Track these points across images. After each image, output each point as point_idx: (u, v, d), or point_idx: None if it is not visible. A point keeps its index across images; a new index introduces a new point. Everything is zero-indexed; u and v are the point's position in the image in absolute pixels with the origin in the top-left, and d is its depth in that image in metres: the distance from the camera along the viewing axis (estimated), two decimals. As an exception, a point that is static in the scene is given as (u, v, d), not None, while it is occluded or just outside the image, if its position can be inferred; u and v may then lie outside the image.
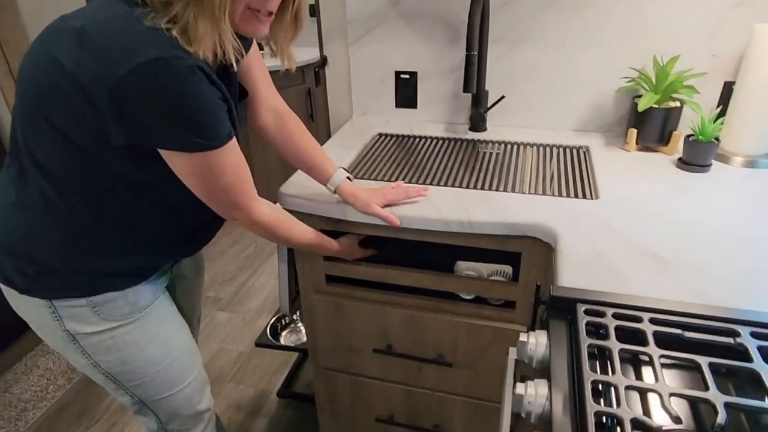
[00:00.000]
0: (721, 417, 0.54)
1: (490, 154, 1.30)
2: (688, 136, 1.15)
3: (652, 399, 0.58)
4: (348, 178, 1.04)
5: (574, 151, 1.30)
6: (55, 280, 0.84)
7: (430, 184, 1.13)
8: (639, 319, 0.67)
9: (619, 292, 0.73)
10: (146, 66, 0.64)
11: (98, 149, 0.74)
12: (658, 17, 1.23)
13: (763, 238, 0.88)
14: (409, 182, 1.15)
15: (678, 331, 0.65)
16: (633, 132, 1.25)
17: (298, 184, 1.12)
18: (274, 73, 1.02)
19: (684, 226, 0.92)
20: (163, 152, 0.75)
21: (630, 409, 0.55)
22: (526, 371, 0.73)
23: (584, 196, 1.05)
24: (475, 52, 1.12)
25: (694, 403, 0.58)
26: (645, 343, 0.63)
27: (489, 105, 1.42)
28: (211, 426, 1.13)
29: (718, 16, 1.19)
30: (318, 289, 1.20)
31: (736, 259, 0.83)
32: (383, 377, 1.29)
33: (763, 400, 0.56)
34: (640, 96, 1.24)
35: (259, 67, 0.98)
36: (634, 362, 0.64)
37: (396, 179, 1.17)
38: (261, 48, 1.06)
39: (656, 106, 1.20)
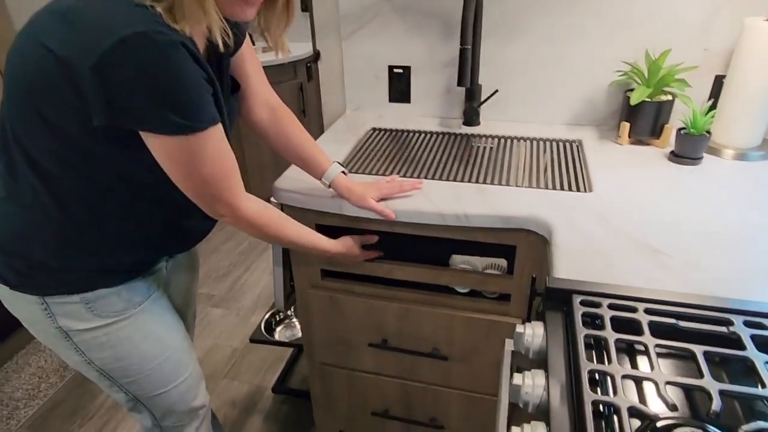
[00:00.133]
0: (716, 404, 0.54)
1: (484, 148, 1.30)
2: (680, 129, 1.17)
3: (648, 387, 0.59)
4: (343, 172, 1.03)
5: (568, 145, 1.31)
6: (47, 277, 0.83)
7: (425, 178, 1.14)
8: (634, 310, 0.68)
9: (614, 283, 0.74)
10: (128, 40, 0.63)
11: (87, 139, 0.72)
12: (650, 11, 1.23)
13: (754, 229, 0.90)
14: (404, 176, 1.15)
15: (672, 320, 0.66)
16: (625, 125, 1.25)
17: (293, 178, 1.12)
18: (265, 68, 1.02)
19: (677, 218, 0.93)
20: (143, 136, 0.72)
21: (626, 397, 0.55)
22: (522, 362, 0.73)
23: (578, 189, 1.06)
24: (469, 46, 1.12)
25: (689, 390, 0.58)
26: (640, 333, 0.64)
27: (482, 99, 1.42)
28: (206, 422, 1.12)
29: (709, 9, 1.20)
30: (313, 284, 1.20)
31: (728, 249, 0.84)
32: (379, 371, 1.29)
33: (757, 387, 0.57)
34: (632, 90, 1.25)
35: (252, 62, 0.97)
36: (630, 352, 0.64)
37: (390, 173, 1.17)
38: (253, 42, 1.05)
39: (648, 99, 1.21)
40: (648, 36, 1.26)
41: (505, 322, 1.10)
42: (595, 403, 0.55)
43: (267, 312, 1.84)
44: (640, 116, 1.23)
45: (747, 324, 0.65)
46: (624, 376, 0.58)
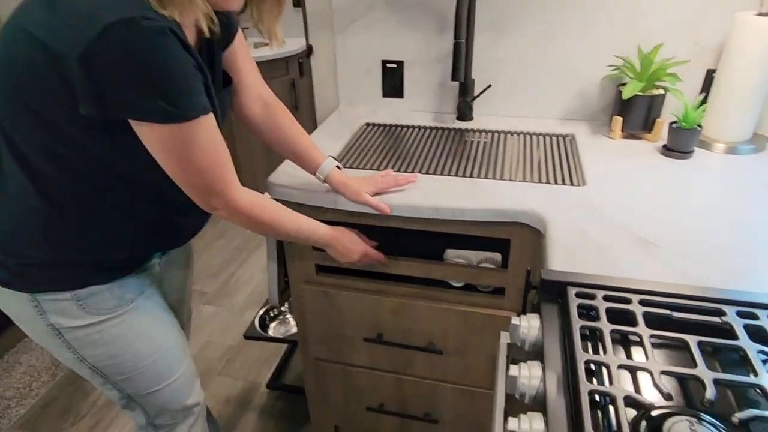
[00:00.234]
0: (710, 393, 0.55)
1: (478, 142, 1.30)
2: (672, 123, 1.17)
3: (643, 377, 0.59)
4: (337, 167, 1.03)
5: (561, 139, 1.31)
6: (37, 273, 0.82)
7: (419, 172, 1.13)
8: (628, 301, 0.68)
9: (608, 275, 0.74)
10: (115, 26, 0.62)
11: (77, 132, 0.71)
12: (642, 5, 1.24)
13: (745, 222, 0.91)
14: (398, 171, 1.15)
15: (666, 311, 0.67)
16: (618, 120, 1.26)
17: (287, 173, 1.11)
18: (257, 64, 1.01)
19: (669, 211, 0.94)
20: (133, 125, 0.71)
21: (622, 387, 0.56)
22: (517, 355, 0.74)
23: (571, 183, 1.07)
24: (463, 41, 1.12)
25: (683, 380, 0.59)
26: (635, 324, 0.64)
27: (476, 94, 1.42)
28: (201, 420, 1.11)
29: (700, 4, 1.21)
30: (308, 279, 1.20)
31: (720, 241, 0.85)
32: (374, 366, 1.29)
33: (749, 375, 0.58)
34: (624, 84, 1.25)
35: (245, 56, 0.96)
36: (625, 342, 0.65)
37: (385, 168, 1.17)
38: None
39: (640, 93, 1.22)
40: (640, 30, 1.27)
41: (500, 315, 1.11)
42: (591, 393, 0.55)
43: (261, 308, 1.84)
44: (633, 110, 1.24)
45: (739, 314, 0.66)
46: (619, 366, 0.58)
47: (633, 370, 0.60)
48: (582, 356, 0.59)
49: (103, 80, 0.65)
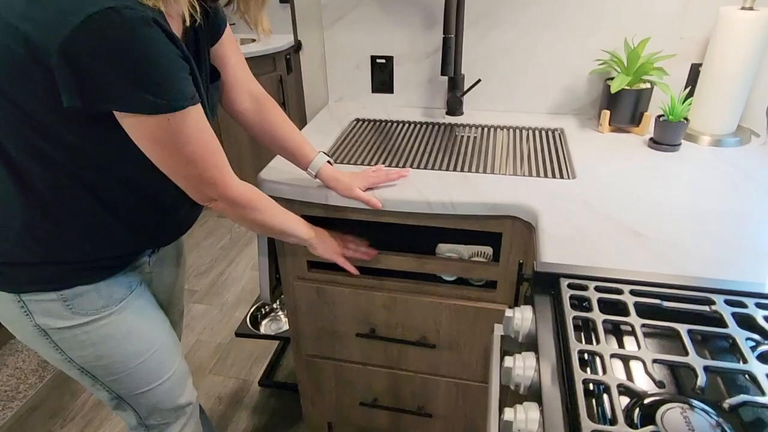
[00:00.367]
0: (701, 380, 0.56)
1: (468, 137, 1.31)
2: (659, 116, 1.19)
3: (636, 366, 0.60)
4: (328, 162, 1.03)
5: (550, 133, 1.32)
6: (22, 273, 0.81)
7: (410, 167, 1.14)
8: (620, 292, 0.69)
9: (600, 266, 0.75)
10: (97, 16, 0.61)
11: (59, 125, 0.70)
12: (629, 0, 1.25)
13: (731, 213, 0.92)
14: (389, 166, 1.15)
15: (657, 301, 0.68)
16: (606, 114, 1.27)
17: (278, 169, 1.11)
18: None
19: (658, 203, 0.95)
20: (120, 117, 0.69)
21: (615, 376, 0.57)
22: (510, 346, 0.74)
23: (562, 176, 1.08)
24: (453, 35, 1.12)
25: (675, 368, 0.60)
26: (626, 314, 0.65)
27: (465, 89, 1.42)
28: (193, 420, 1.10)
29: (685, -1, 1.23)
30: (300, 276, 1.20)
31: (707, 232, 0.86)
32: (366, 361, 1.29)
33: (738, 362, 0.59)
34: (612, 78, 1.26)
35: (233, 51, 0.95)
36: (617, 332, 0.66)
37: (375, 163, 1.17)
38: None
39: (628, 87, 1.23)
40: (627, 25, 1.28)
41: (492, 308, 1.11)
42: (585, 382, 0.56)
43: (252, 306, 1.83)
44: (620, 104, 1.25)
45: (728, 303, 0.67)
46: (612, 356, 0.59)
47: (626, 359, 0.61)
48: (575, 346, 0.60)
49: (85, 72, 0.64)
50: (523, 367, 0.62)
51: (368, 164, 1.17)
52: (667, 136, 1.17)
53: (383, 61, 1.47)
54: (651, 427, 0.50)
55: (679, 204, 0.95)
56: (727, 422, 0.52)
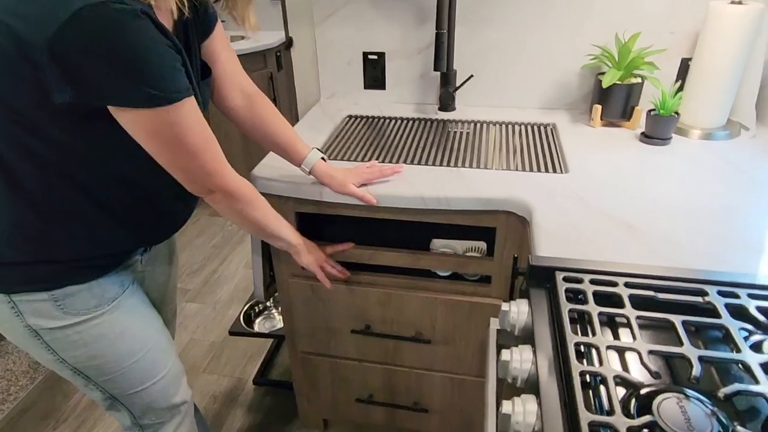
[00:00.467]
0: (696, 370, 0.57)
1: (461, 133, 1.31)
2: (650, 110, 1.20)
3: (631, 357, 0.61)
4: (322, 158, 1.02)
5: (542, 128, 1.33)
6: (12, 272, 0.79)
7: (404, 163, 1.14)
8: (615, 284, 0.70)
9: (594, 259, 0.76)
10: (85, 11, 0.60)
11: (48, 123, 0.69)
12: (619, -5, 1.26)
13: (722, 205, 0.93)
14: (383, 162, 1.15)
15: (651, 293, 0.68)
16: (597, 108, 1.28)
17: (271, 166, 1.10)
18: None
19: (650, 196, 0.96)
20: (116, 113, 0.69)
21: (611, 367, 0.57)
22: (506, 340, 0.75)
23: (554, 171, 1.08)
24: (445, 31, 1.12)
25: (670, 358, 0.61)
26: (621, 306, 0.66)
27: (458, 84, 1.42)
28: (188, 419, 1.10)
29: (675, -7, 1.23)
30: (294, 273, 1.19)
31: (698, 224, 0.87)
32: (362, 358, 1.29)
33: (732, 352, 0.60)
34: (603, 73, 1.27)
35: (224, 48, 0.94)
36: (612, 324, 0.66)
37: (369, 160, 1.17)
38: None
39: (619, 82, 1.24)
40: (618, 20, 1.29)
41: (487, 303, 1.12)
42: (582, 374, 0.56)
43: (245, 304, 1.82)
44: (612, 99, 1.26)
45: (721, 293, 0.68)
46: (608, 347, 0.60)
47: (621, 351, 0.61)
48: (572, 338, 0.60)
49: (76, 68, 0.63)
50: (520, 360, 0.63)
51: (361, 161, 1.17)
52: (658, 130, 1.18)
53: (375, 57, 1.46)
54: (648, 417, 0.51)
55: (670, 196, 0.96)
56: (722, 411, 0.52)
